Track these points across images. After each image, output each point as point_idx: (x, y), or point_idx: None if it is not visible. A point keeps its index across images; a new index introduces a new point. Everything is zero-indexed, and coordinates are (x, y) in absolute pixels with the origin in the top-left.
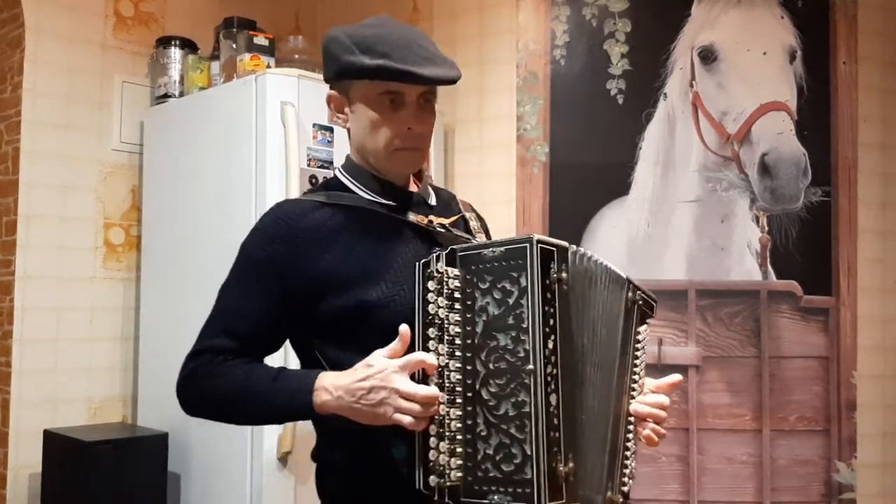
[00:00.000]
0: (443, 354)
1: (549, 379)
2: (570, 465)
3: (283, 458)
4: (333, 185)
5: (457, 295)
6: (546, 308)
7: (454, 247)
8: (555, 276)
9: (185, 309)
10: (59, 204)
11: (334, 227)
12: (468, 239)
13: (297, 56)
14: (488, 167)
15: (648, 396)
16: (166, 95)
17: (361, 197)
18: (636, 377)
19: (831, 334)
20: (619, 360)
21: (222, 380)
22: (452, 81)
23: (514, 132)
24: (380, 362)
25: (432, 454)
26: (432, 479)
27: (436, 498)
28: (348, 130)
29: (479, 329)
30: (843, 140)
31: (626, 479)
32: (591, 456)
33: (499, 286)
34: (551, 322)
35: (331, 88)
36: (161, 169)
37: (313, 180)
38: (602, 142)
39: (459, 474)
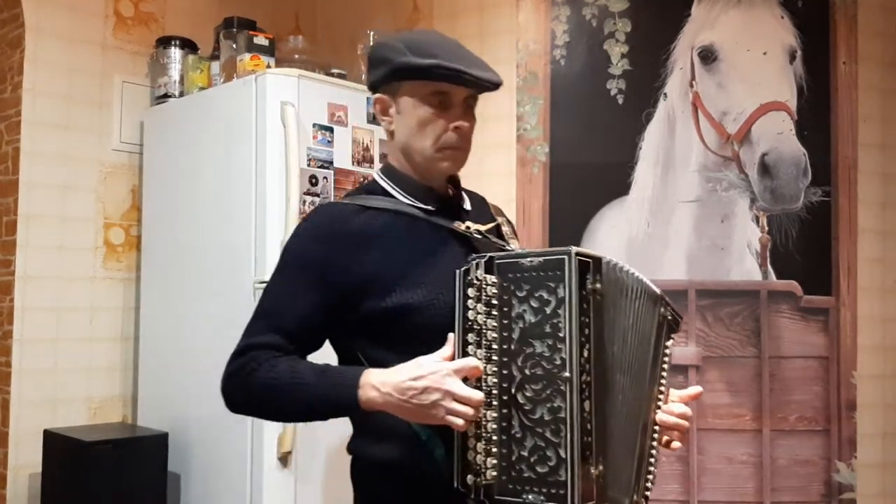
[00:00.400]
0: (481, 359)
1: (583, 386)
2: (601, 468)
3: (284, 458)
4: (373, 188)
5: (494, 302)
6: (582, 318)
7: (493, 255)
8: (590, 287)
9: (185, 309)
10: (59, 204)
11: (376, 231)
12: (503, 245)
13: (297, 56)
14: (488, 167)
15: (674, 406)
16: (166, 95)
17: (401, 201)
18: (662, 388)
19: (831, 334)
20: (650, 371)
21: (268, 375)
22: (497, 86)
23: (514, 132)
24: (432, 364)
25: (470, 454)
26: (469, 478)
27: (472, 496)
28: (391, 134)
29: (515, 335)
30: (843, 140)
31: (649, 484)
32: (620, 460)
33: (536, 295)
34: (586, 331)
35: (376, 92)
36: (161, 169)
37: (313, 180)
38: (602, 142)
39: (494, 473)
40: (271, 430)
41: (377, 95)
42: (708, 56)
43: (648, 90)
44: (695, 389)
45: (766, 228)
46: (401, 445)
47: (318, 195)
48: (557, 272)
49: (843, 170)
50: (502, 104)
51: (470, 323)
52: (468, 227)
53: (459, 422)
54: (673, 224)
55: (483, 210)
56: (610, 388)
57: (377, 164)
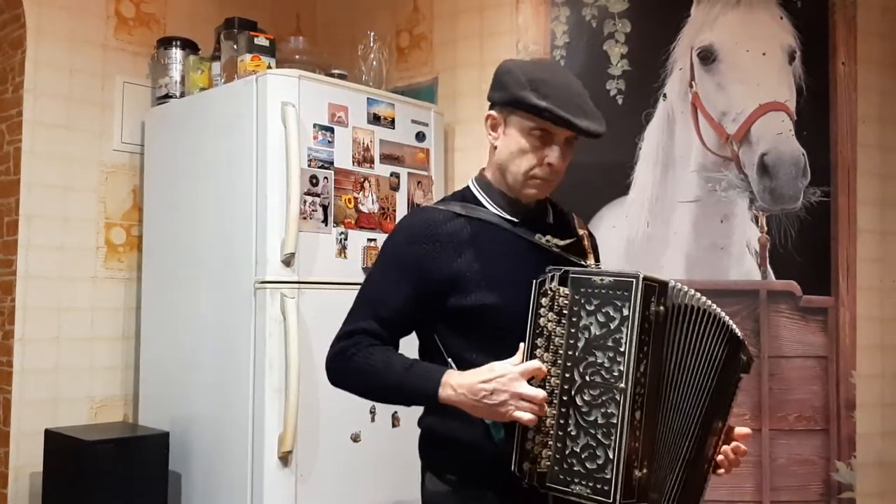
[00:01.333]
0: (547, 361)
1: (636, 397)
2: (644, 471)
3: (284, 458)
4: (466, 196)
5: (565, 312)
6: (642, 337)
7: (568, 269)
8: (653, 309)
9: (185, 309)
10: (60, 204)
11: (467, 236)
12: (578, 260)
13: (297, 56)
14: None
15: (735, 445)
16: (167, 96)
17: (490, 211)
18: (728, 416)
19: (830, 334)
20: (716, 396)
21: (368, 361)
22: (598, 136)
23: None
24: (502, 368)
25: (528, 444)
26: (525, 465)
27: (525, 480)
28: (494, 148)
29: (580, 344)
30: (842, 140)
31: (704, 493)
32: (666, 467)
33: (603, 310)
34: (645, 349)
35: (491, 108)
36: (162, 169)
37: (313, 180)
38: (601, 142)
39: (548, 463)
40: (272, 430)
41: (490, 112)
42: (707, 56)
43: (648, 91)
44: (746, 430)
45: (766, 228)
46: (466, 426)
47: (318, 195)
48: (625, 293)
49: (842, 170)
50: None
51: (540, 328)
52: (548, 241)
53: (526, 416)
54: (672, 224)
55: (566, 224)
56: (663, 401)
57: (377, 165)
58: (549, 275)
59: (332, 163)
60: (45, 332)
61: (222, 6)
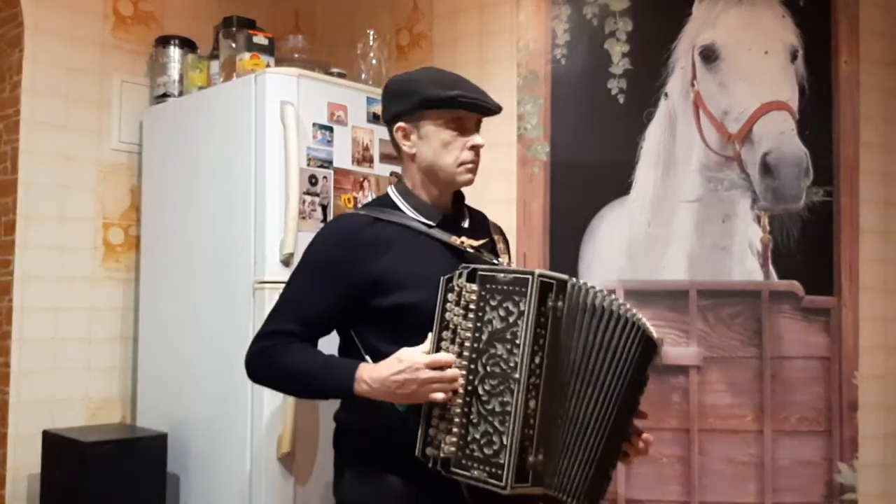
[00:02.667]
0: (453, 353)
1: (531, 387)
2: (540, 457)
3: (283, 459)
4: (386, 202)
5: (471, 306)
6: (538, 330)
7: (476, 266)
8: (550, 304)
9: (184, 309)
10: (57, 204)
11: (386, 240)
12: (490, 259)
13: (296, 55)
14: (488, 167)
15: (645, 436)
16: (165, 95)
17: (408, 216)
18: (638, 405)
19: (833, 334)
20: (621, 387)
21: (287, 359)
22: (500, 110)
23: (515, 131)
24: (409, 358)
25: (432, 430)
26: (429, 450)
27: (429, 465)
28: (412, 157)
29: (484, 337)
30: (844, 140)
31: (609, 480)
32: (568, 455)
33: (504, 305)
34: (541, 342)
35: (396, 120)
36: (160, 169)
37: (313, 180)
38: (603, 141)
39: (452, 449)
40: (271, 431)
41: (399, 124)
42: (709, 55)
43: (649, 89)
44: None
45: (768, 228)
46: (378, 416)
47: (317, 195)
48: (522, 289)
49: (844, 169)
50: (503, 103)
51: (446, 322)
52: (462, 242)
53: (439, 396)
54: (674, 224)
55: (482, 227)
56: (564, 394)
57: (377, 164)
58: (457, 272)
59: (331, 162)
60: (43, 333)
61: (221, 5)
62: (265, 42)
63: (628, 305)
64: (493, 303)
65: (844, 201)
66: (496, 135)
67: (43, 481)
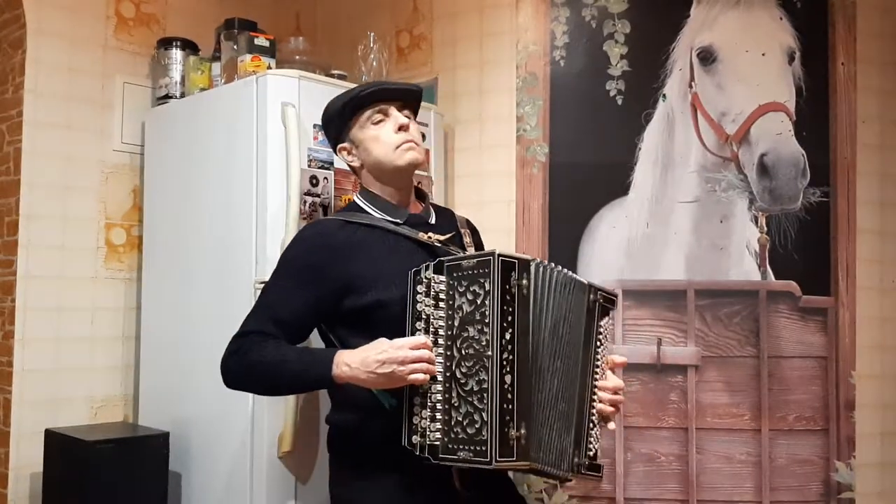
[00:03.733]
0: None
1: (504, 363)
2: (522, 431)
3: (284, 458)
4: (353, 208)
5: (441, 296)
6: (504, 307)
7: (441, 259)
8: (514, 282)
9: (186, 309)
10: (60, 204)
11: (357, 242)
12: (458, 251)
13: (297, 57)
14: (488, 167)
15: (609, 381)
16: (167, 96)
17: (375, 217)
18: (599, 362)
19: (830, 334)
20: (583, 352)
21: (261, 354)
22: (417, 92)
23: (514, 133)
24: (387, 342)
25: (416, 419)
26: (415, 439)
27: (417, 453)
28: (361, 166)
29: (455, 323)
30: (841, 141)
31: (591, 446)
32: (550, 427)
33: (471, 289)
34: (509, 318)
35: (337, 144)
36: (162, 169)
37: (314, 181)
38: (601, 142)
39: (438, 436)
40: (272, 430)
41: (341, 145)
42: (707, 57)
43: (648, 91)
44: (620, 358)
45: (765, 229)
46: (368, 415)
47: (318, 195)
48: (485, 269)
49: (841, 170)
50: (502, 105)
51: (418, 313)
52: (430, 237)
53: (420, 377)
54: (672, 224)
55: (449, 222)
56: (538, 367)
57: None
58: (424, 265)
59: (332, 163)
60: (46, 332)
61: (222, 6)
62: (266, 44)
63: (579, 276)
64: (460, 289)
65: (841, 202)
66: (496, 136)
67: (45, 480)
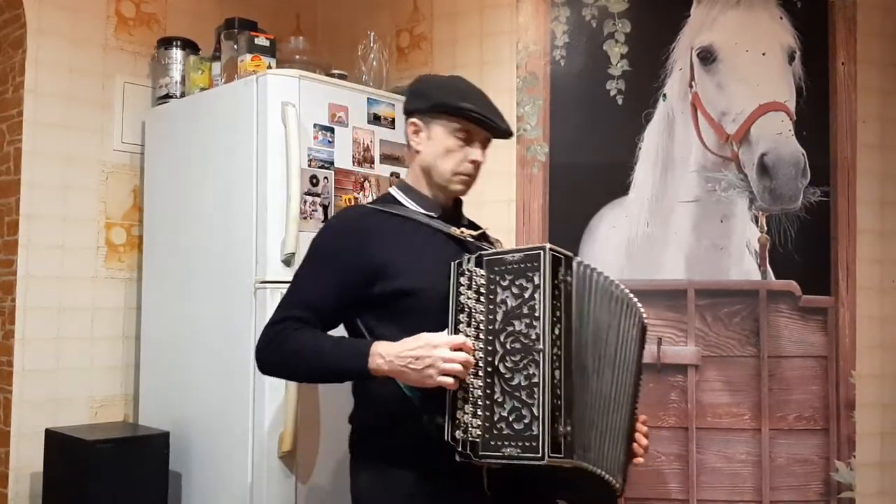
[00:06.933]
0: (470, 336)
1: (554, 358)
2: (569, 428)
3: (285, 458)
4: (388, 199)
5: (482, 290)
6: (554, 302)
7: (482, 252)
8: (562, 277)
9: (186, 308)
10: (60, 204)
11: (388, 229)
12: (490, 247)
13: (298, 57)
14: (488, 167)
15: (646, 430)
16: (168, 96)
17: (410, 209)
18: (640, 388)
19: (830, 334)
20: (635, 373)
21: (297, 344)
22: (510, 136)
23: (514, 132)
24: (427, 337)
25: (458, 414)
26: (458, 434)
27: (459, 449)
28: (416, 152)
29: (499, 317)
30: (841, 140)
31: (628, 465)
32: (593, 430)
33: (517, 283)
34: (558, 314)
35: (411, 115)
36: (162, 169)
37: (314, 180)
38: (602, 142)
39: (479, 433)
40: (273, 429)
41: (412, 120)
42: (707, 57)
43: (648, 91)
44: (643, 417)
45: (765, 228)
46: (392, 414)
47: (318, 195)
48: (535, 263)
49: (841, 170)
50: (502, 105)
51: (461, 305)
52: (462, 232)
53: (448, 380)
54: (672, 224)
55: (478, 228)
56: (583, 367)
57: (377, 165)
58: (466, 258)
59: (332, 163)
60: (46, 332)
61: (222, 6)
62: (266, 43)
63: (622, 286)
64: (503, 283)
65: (842, 202)
66: None
67: (45, 480)
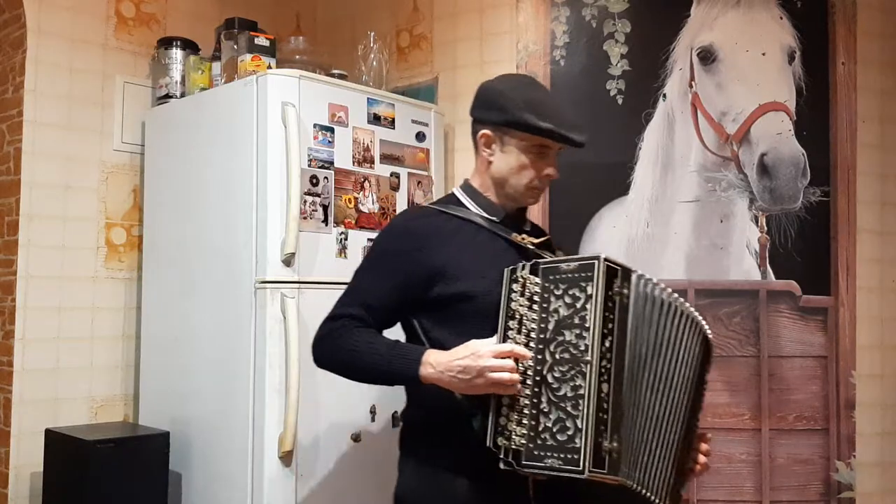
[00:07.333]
0: (520, 343)
1: (602, 370)
2: (615, 444)
3: (284, 457)
4: (451, 200)
5: (536, 298)
6: (606, 314)
7: (537, 260)
8: (616, 290)
9: (186, 308)
10: (60, 204)
11: (449, 231)
12: (550, 255)
13: (297, 57)
14: None
15: (706, 448)
16: (168, 96)
17: (471, 212)
18: (700, 410)
19: (830, 334)
20: (695, 391)
21: (352, 340)
22: (584, 145)
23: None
24: (475, 347)
25: (502, 420)
26: (500, 440)
27: (500, 456)
28: (488, 163)
29: (550, 326)
30: (841, 140)
31: (680, 489)
32: (644, 447)
33: (570, 293)
34: (609, 326)
35: (483, 126)
36: (162, 169)
37: (314, 180)
38: (602, 142)
39: (523, 441)
40: (272, 429)
41: (484, 131)
42: (707, 57)
43: (648, 91)
44: (707, 436)
45: (765, 228)
46: (442, 415)
47: (318, 195)
48: (588, 273)
49: (841, 170)
50: None
51: (512, 312)
52: (523, 239)
53: (501, 380)
54: (672, 224)
55: (541, 234)
56: (636, 382)
57: (377, 165)
58: (520, 264)
59: (332, 163)
60: (46, 332)
61: (222, 6)
62: (266, 43)
63: (685, 302)
64: (557, 292)
65: (841, 202)
66: None
67: (45, 480)
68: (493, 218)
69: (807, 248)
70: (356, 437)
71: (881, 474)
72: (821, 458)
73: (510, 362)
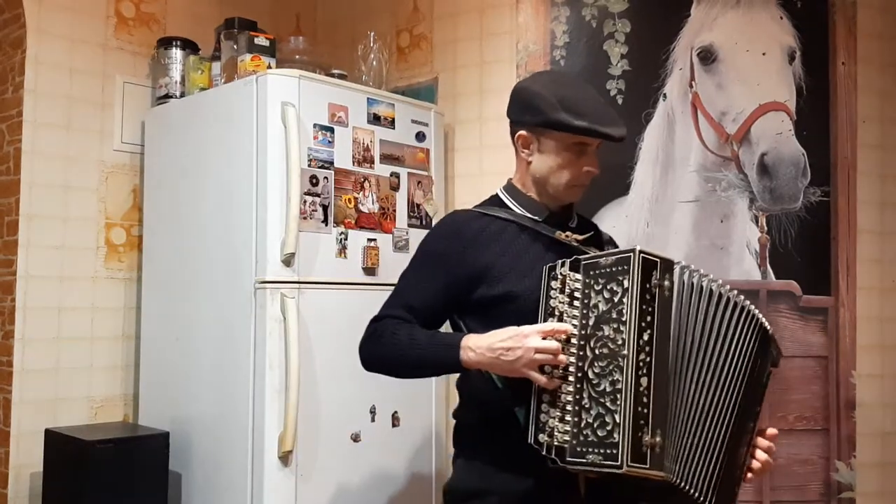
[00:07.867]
0: (560, 341)
1: (640, 364)
2: (657, 438)
3: (284, 457)
4: (494, 201)
5: (577, 294)
6: (643, 307)
7: (578, 256)
8: (655, 282)
9: (186, 308)
10: (60, 204)
11: (493, 233)
12: (595, 249)
13: (297, 56)
14: (488, 167)
15: (768, 446)
16: (167, 96)
17: (515, 212)
18: (759, 407)
19: (830, 334)
20: (742, 380)
21: (394, 339)
22: (624, 139)
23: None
24: (516, 328)
25: (543, 416)
26: (542, 437)
27: (543, 452)
28: (528, 164)
29: (590, 322)
30: (841, 140)
31: (736, 488)
32: (698, 446)
33: (608, 287)
34: (648, 318)
35: (520, 127)
36: (162, 169)
37: (314, 180)
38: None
39: (566, 438)
40: (272, 430)
41: (521, 132)
42: (707, 56)
43: (648, 91)
44: (773, 430)
45: (766, 228)
46: (493, 414)
47: (318, 195)
48: (625, 267)
49: (841, 170)
50: (502, 105)
51: (551, 309)
52: (567, 235)
53: (541, 378)
54: (672, 224)
55: (588, 228)
56: (680, 376)
57: (377, 165)
58: (560, 262)
59: (332, 163)
60: (46, 332)
61: (222, 6)
62: (266, 43)
63: (737, 291)
64: (597, 287)
65: (842, 202)
66: (496, 136)
67: (45, 480)
68: (536, 217)
69: (807, 248)
70: (355, 438)
71: (881, 474)
72: (821, 458)
73: (556, 343)
